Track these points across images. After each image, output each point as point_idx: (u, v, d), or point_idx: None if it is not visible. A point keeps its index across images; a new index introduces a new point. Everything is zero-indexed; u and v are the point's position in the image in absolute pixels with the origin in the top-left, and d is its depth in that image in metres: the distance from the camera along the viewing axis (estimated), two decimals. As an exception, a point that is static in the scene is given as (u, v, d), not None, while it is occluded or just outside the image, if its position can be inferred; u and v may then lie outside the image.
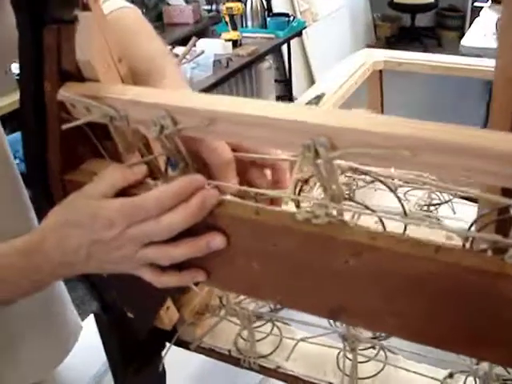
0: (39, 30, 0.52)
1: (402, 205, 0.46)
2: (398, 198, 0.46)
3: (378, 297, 0.44)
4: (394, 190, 0.48)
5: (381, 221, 0.44)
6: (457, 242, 0.52)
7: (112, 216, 0.47)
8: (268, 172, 0.54)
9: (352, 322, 0.51)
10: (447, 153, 0.37)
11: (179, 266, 0.50)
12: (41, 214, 0.53)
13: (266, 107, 0.44)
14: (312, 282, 0.47)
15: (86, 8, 0.51)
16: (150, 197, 0.47)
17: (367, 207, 0.46)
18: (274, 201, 0.51)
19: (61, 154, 0.54)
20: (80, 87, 0.52)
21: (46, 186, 0.55)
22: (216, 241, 0.48)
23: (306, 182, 0.47)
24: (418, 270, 0.40)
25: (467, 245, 0.43)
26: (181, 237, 0.48)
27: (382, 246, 0.41)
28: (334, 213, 0.45)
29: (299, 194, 0.47)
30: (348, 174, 0.59)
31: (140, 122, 0.49)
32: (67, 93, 0.51)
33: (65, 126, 0.51)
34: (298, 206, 0.46)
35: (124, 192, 0.50)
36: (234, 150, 0.51)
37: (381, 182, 0.47)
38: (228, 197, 0.48)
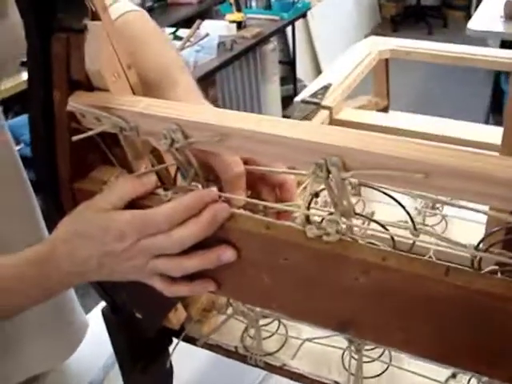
0: (48, 38, 0.52)
1: (412, 219, 0.46)
2: (408, 213, 0.46)
3: (386, 313, 0.45)
4: (402, 204, 0.48)
5: (392, 239, 0.44)
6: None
7: (123, 228, 0.48)
8: (276, 190, 0.54)
9: (360, 335, 0.51)
10: (459, 178, 0.37)
11: (190, 276, 0.51)
12: (51, 224, 0.53)
13: (279, 125, 0.43)
14: (321, 296, 0.47)
15: (95, 17, 0.50)
16: (160, 211, 0.47)
17: (377, 222, 0.47)
18: (281, 214, 0.51)
19: (70, 162, 0.54)
20: (90, 97, 0.51)
21: (56, 194, 0.55)
22: (227, 254, 0.48)
23: (316, 195, 0.47)
24: (428, 290, 0.41)
25: (475, 262, 0.43)
26: (191, 249, 0.48)
27: (392, 266, 0.41)
28: (344, 226, 0.45)
29: (308, 206, 0.47)
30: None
31: (150, 133, 0.49)
32: (77, 103, 0.51)
33: (75, 138, 0.51)
34: (308, 221, 0.46)
35: (134, 202, 0.50)
36: (244, 162, 0.51)
37: (389, 196, 0.47)
38: (238, 210, 0.49)
